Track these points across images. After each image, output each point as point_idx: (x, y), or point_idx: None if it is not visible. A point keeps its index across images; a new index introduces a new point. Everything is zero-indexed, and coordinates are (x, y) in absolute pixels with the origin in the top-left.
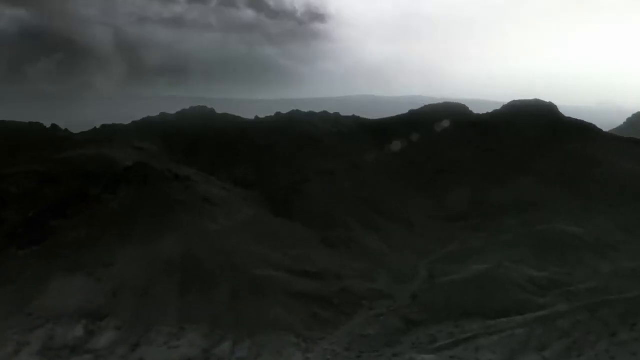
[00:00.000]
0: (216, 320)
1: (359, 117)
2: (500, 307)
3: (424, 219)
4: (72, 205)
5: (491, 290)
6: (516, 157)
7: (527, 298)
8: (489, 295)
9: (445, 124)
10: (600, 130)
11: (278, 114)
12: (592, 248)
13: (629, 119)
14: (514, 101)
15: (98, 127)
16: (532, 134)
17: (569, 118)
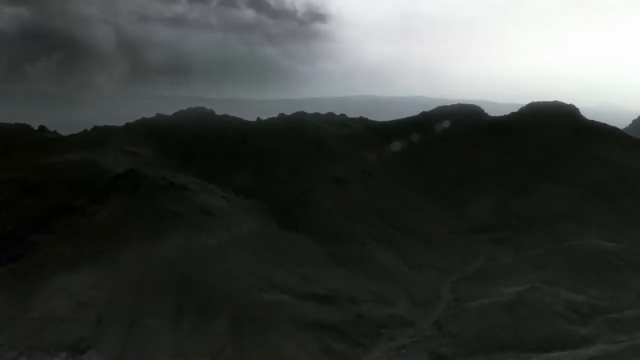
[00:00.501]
0: (214, 354)
1: (366, 118)
2: (537, 339)
3: (444, 232)
4: (56, 217)
5: (525, 317)
6: (540, 163)
7: (567, 328)
8: (524, 323)
9: (446, 124)
10: (624, 134)
11: (281, 115)
12: (633, 267)
13: (634, 121)
14: (533, 103)
15: (89, 129)
16: (555, 138)
17: (592, 121)
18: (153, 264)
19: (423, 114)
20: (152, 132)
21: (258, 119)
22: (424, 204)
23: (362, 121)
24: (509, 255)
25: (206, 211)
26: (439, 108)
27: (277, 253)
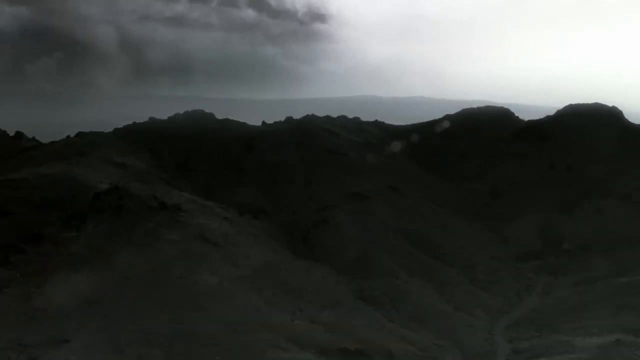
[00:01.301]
0: None
1: (382, 122)
2: None
3: (486, 259)
4: (22, 247)
5: None
6: (588, 174)
7: None
8: None
9: (446, 124)
10: None
11: (289, 118)
12: None
13: None
14: (571, 105)
15: (72, 135)
16: (601, 144)
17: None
18: (140, 310)
19: (447, 117)
20: (144, 139)
21: (263, 122)
22: (458, 223)
23: (378, 125)
24: (567, 289)
25: (205, 238)
26: (464, 110)
27: (294, 292)
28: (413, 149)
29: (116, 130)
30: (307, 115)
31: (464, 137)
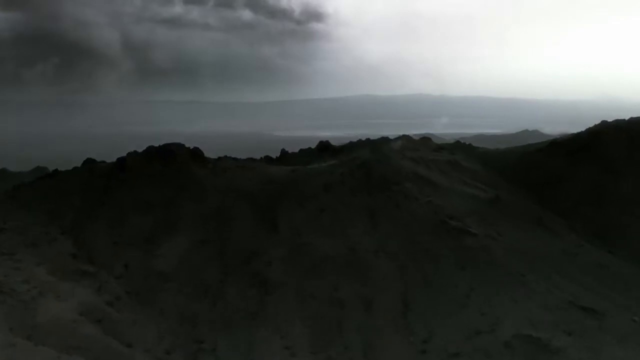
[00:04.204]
0: None
1: (467, 144)
2: None
3: None
4: None
5: None
6: None
7: None
8: None
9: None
10: None
11: (324, 145)
12: None
13: None
14: None
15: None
16: None
17: None
18: None
19: (580, 136)
20: (65, 204)
21: (283, 152)
22: None
23: (465, 149)
24: None
25: None
26: (602, 125)
27: None
28: (547, 198)
29: (15, 188)
30: (350, 142)
31: (620, 171)
